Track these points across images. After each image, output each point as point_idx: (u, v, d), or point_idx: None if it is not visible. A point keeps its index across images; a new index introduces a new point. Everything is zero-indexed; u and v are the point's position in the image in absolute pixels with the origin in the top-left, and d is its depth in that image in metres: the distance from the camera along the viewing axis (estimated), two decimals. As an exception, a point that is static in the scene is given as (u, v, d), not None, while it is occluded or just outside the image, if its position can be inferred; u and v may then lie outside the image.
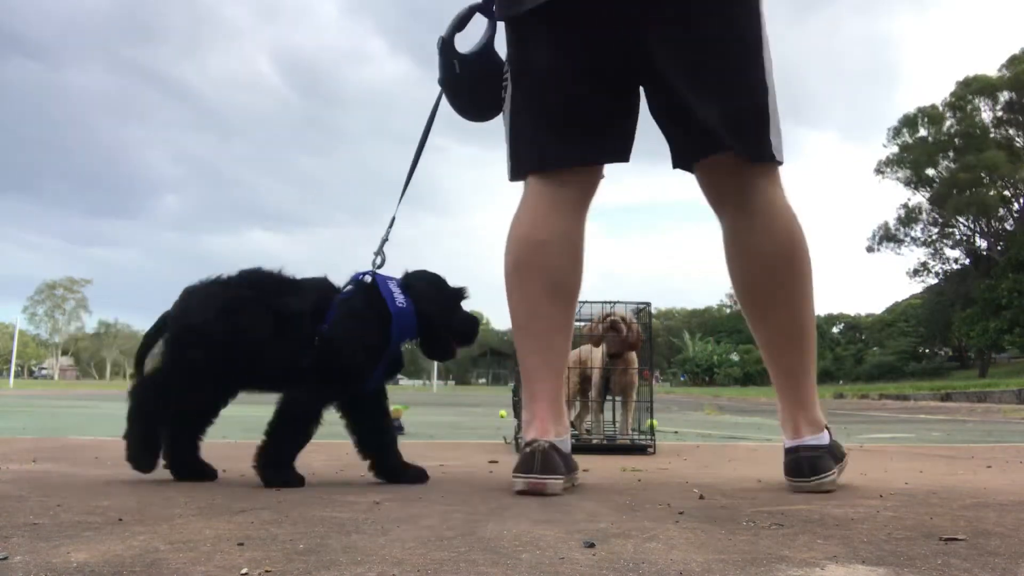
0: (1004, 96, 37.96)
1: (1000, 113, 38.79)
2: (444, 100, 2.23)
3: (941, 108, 40.59)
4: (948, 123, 40.38)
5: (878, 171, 41.91)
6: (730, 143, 1.95)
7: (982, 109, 39.38)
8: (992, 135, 38.74)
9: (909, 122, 41.54)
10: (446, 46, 2.13)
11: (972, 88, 39.01)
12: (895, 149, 41.98)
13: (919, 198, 41.92)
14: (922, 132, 41.40)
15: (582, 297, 2.32)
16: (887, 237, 43.13)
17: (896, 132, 42.15)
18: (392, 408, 4.22)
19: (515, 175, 2.09)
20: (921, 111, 41.03)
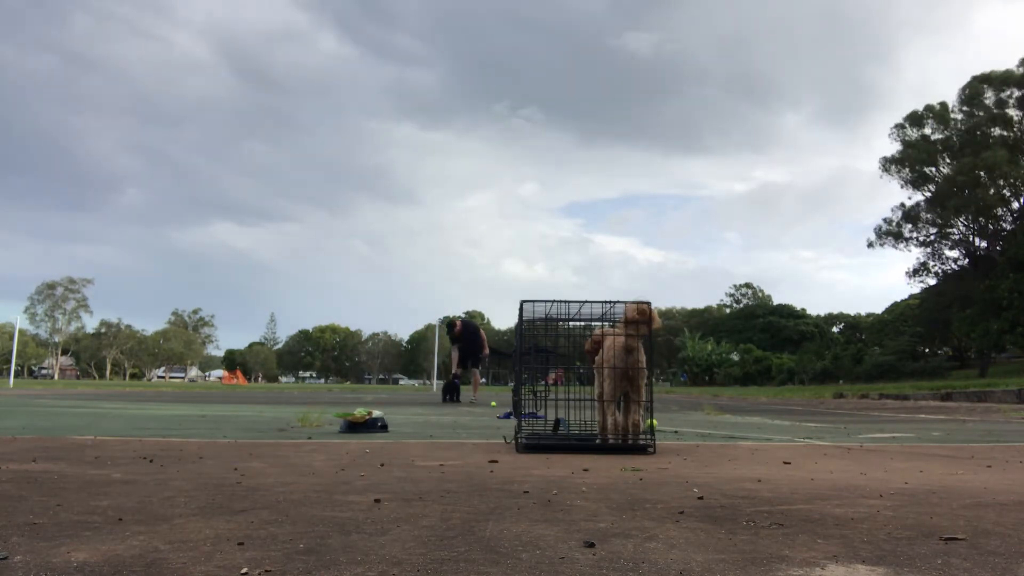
0: (1013, 94, 37.85)
1: (1006, 111, 38.72)
2: None
3: (942, 106, 40.64)
4: (952, 122, 40.40)
5: (884, 167, 41.85)
6: None
7: (988, 106, 39.34)
8: (997, 133, 38.71)
9: (914, 120, 41.59)
10: None
11: (978, 86, 38.95)
12: (898, 146, 42.01)
13: (919, 197, 41.95)
14: (926, 130, 41.45)
15: (582, 297, 2.27)
16: (888, 234, 43.13)
17: (900, 129, 42.20)
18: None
19: None
20: (927, 108, 41.05)
